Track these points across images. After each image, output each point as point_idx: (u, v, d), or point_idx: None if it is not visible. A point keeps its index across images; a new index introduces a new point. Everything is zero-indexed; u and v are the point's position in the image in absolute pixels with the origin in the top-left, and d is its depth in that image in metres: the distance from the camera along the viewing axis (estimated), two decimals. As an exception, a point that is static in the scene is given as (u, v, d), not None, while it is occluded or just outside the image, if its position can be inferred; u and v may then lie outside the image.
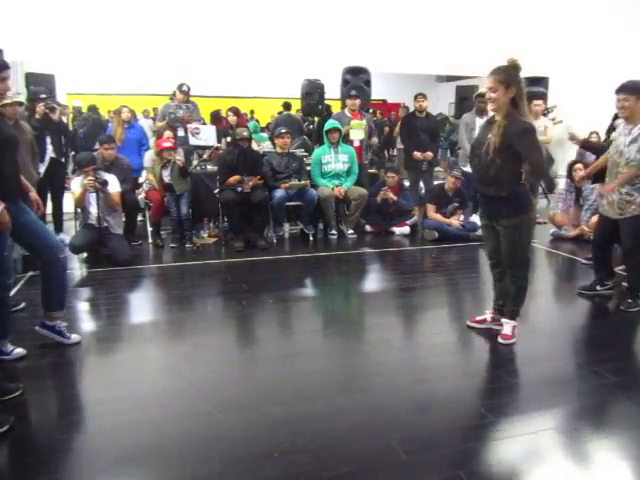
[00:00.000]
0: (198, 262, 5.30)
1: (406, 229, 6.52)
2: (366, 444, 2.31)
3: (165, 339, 3.58)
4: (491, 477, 2.13)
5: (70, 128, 8.85)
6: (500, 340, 3.31)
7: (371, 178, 7.11)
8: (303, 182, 6.10)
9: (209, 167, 6.44)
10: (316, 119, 8.28)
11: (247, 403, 2.66)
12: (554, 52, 9.66)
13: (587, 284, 4.35)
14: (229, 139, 6.80)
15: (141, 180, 6.19)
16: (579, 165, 6.21)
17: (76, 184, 5.08)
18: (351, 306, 4.47)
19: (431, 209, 6.30)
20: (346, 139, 6.66)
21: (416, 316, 4.14)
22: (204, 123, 7.44)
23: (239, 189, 5.77)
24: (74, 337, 3.33)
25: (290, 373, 2.99)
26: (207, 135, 6.71)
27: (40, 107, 5.30)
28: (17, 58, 8.21)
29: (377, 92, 7.65)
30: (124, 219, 5.52)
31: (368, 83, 7.78)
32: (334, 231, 6.34)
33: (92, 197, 5.04)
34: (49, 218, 5.83)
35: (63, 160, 5.86)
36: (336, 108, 8.79)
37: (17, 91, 6.09)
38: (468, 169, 6.65)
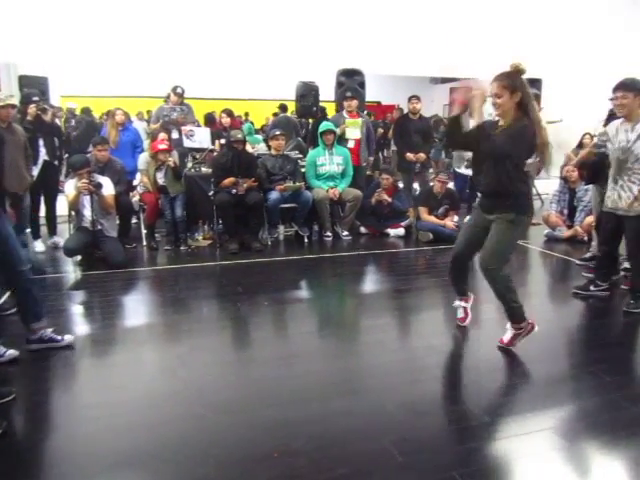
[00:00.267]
0: (193, 264, 5.29)
1: (401, 231, 6.53)
2: (361, 446, 2.31)
3: (160, 342, 3.57)
4: (487, 478, 2.14)
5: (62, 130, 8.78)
6: (498, 342, 3.30)
7: (366, 180, 7.12)
8: (298, 184, 6.11)
9: (203, 169, 6.44)
10: (310, 121, 8.28)
11: (242, 405, 2.66)
12: (547, 54, 9.71)
13: (581, 284, 4.38)
14: (223, 141, 6.79)
15: (135, 182, 6.17)
16: (572, 167, 6.25)
17: (70, 187, 5.06)
18: (346, 308, 4.47)
19: (423, 211, 6.33)
20: (342, 138, 6.68)
21: (411, 317, 4.15)
22: (198, 125, 7.43)
23: (234, 191, 5.77)
24: (67, 338, 3.32)
25: (285, 375, 2.99)
26: (201, 137, 6.70)
27: (32, 109, 5.28)
28: (10, 60, 8.20)
29: (371, 94, 7.67)
30: (118, 222, 5.50)
31: (362, 85, 7.79)
32: (329, 233, 6.34)
33: (86, 200, 5.02)
34: (42, 221, 5.82)
35: (56, 163, 5.83)
36: (330, 110, 8.80)
37: (10, 93, 6.06)
38: (462, 171, 6.70)
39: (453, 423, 2.57)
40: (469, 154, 4.47)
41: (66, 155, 7.64)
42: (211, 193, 5.99)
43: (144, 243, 5.89)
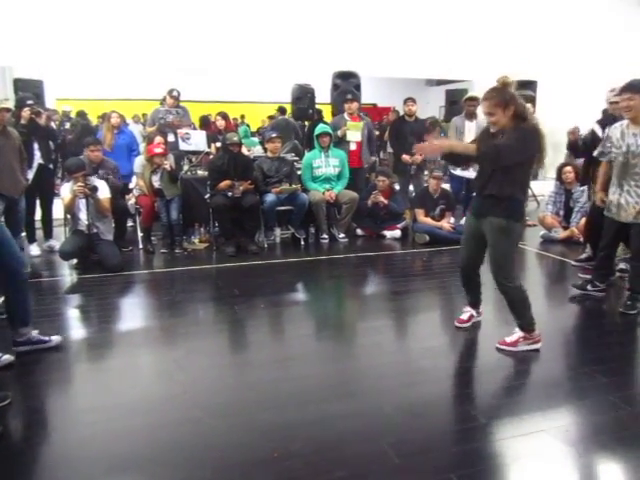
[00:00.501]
0: (189, 267, 5.28)
1: (397, 232, 6.54)
2: (359, 448, 2.31)
3: (157, 345, 3.56)
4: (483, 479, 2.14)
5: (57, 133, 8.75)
6: (497, 344, 3.27)
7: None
8: (294, 186, 6.11)
9: (199, 172, 6.43)
10: (306, 123, 8.29)
11: (239, 409, 2.65)
12: (542, 56, 9.75)
13: (578, 282, 4.39)
14: (219, 144, 6.79)
15: (131, 186, 6.16)
16: (569, 168, 6.27)
17: (66, 190, 5.05)
18: (343, 310, 4.47)
19: (420, 213, 6.33)
20: (343, 140, 6.70)
21: (408, 319, 4.15)
22: (194, 128, 7.43)
23: (230, 194, 5.77)
24: (54, 338, 3.32)
25: (282, 378, 2.98)
26: (197, 140, 6.70)
27: (26, 112, 5.27)
28: (5, 64, 8.19)
29: (367, 96, 7.69)
30: (114, 225, 5.50)
31: (358, 87, 7.83)
32: (325, 235, 6.34)
33: (82, 203, 5.01)
34: (38, 225, 5.80)
35: (51, 166, 5.82)
36: (327, 112, 8.81)
37: (5, 97, 6.04)
38: (458, 172, 6.71)
39: (450, 425, 2.57)
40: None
41: (61, 159, 7.62)
42: (207, 196, 5.99)
43: (140, 246, 5.88)
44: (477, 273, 3.54)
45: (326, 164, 6.40)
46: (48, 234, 5.88)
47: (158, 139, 6.04)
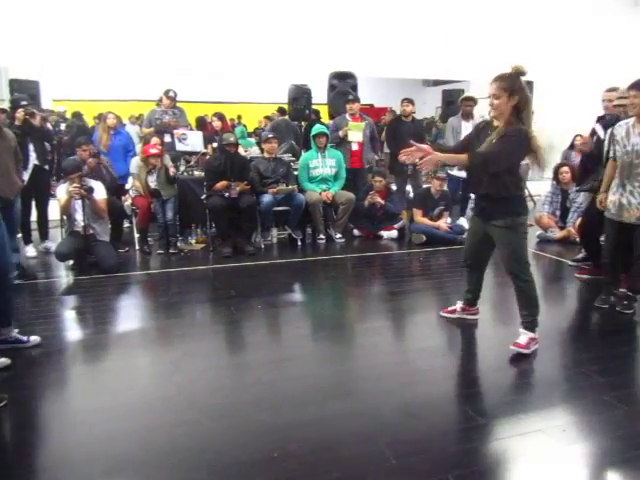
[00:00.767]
0: (186, 268, 5.27)
1: (394, 233, 6.54)
2: (355, 449, 2.31)
3: (153, 346, 3.55)
4: (480, 480, 2.14)
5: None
6: (512, 347, 3.23)
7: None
8: (291, 187, 6.11)
9: (196, 173, 6.42)
10: (303, 124, 8.29)
11: (236, 410, 2.65)
12: (539, 56, 9.76)
13: (602, 297, 4.09)
14: (215, 145, 6.79)
15: (127, 186, 6.15)
16: (565, 168, 6.29)
17: (62, 191, 5.04)
18: (340, 310, 4.47)
19: (418, 213, 6.33)
20: (344, 141, 6.70)
21: (405, 320, 4.15)
22: (191, 129, 7.42)
23: (226, 194, 5.76)
24: (33, 339, 3.34)
25: (279, 379, 2.98)
26: (194, 141, 6.69)
27: (20, 113, 5.25)
28: (1, 64, 8.16)
29: (364, 97, 7.69)
30: (110, 226, 5.48)
31: (355, 88, 7.82)
32: (322, 236, 6.34)
33: (78, 204, 5.00)
34: (34, 226, 5.78)
35: (47, 167, 5.80)
36: (324, 113, 8.81)
37: (1, 98, 6.02)
38: (455, 173, 6.72)
39: (447, 425, 2.57)
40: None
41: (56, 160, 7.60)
42: (204, 197, 5.98)
43: (137, 247, 5.87)
44: (482, 269, 3.60)
45: (323, 164, 6.40)
46: (44, 235, 5.86)
47: (155, 140, 6.03)
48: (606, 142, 4.27)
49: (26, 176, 5.34)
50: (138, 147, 6.86)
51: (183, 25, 8.27)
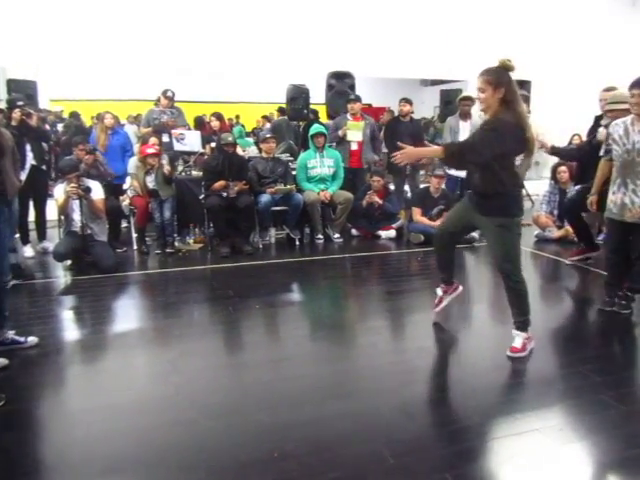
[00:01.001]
0: (184, 268, 5.27)
1: (392, 232, 6.55)
2: (353, 449, 2.31)
3: (151, 346, 3.55)
4: (478, 479, 2.14)
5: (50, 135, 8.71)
6: (508, 353, 3.19)
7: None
8: (289, 187, 6.11)
9: (194, 172, 6.42)
10: (301, 124, 8.28)
11: (234, 410, 2.65)
12: (536, 56, 9.77)
13: (605, 300, 4.01)
14: (213, 145, 6.78)
15: (125, 186, 6.14)
16: (563, 167, 6.29)
17: (59, 191, 5.04)
18: (338, 310, 4.47)
19: (417, 212, 6.34)
20: (344, 140, 6.70)
21: (403, 319, 4.15)
22: (189, 129, 7.41)
23: (224, 194, 5.76)
24: (30, 340, 3.33)
25: (277, 379, 2.98)
26: (192, 141, 6.68)
27: (16, 114, 5.25)
28: (-1, 64, 8.15)
29: (362, 96, 7.67)
30: (108, 226, 5.48)
31: (353, 87, 7.82)
32: (320, 235, 6.34)
33: (75, 204, 5.00)
34: (32, 226, 5.78)
35: (44, 167, 5.79)
36: (322, 113, 8.81)
37: (-1, 98, 6.01)
38: (453, 172, 6.72)
39: (445, 424, 2.58)
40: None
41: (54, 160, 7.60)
42: (202, 196, 5.98)
43: (134, 247, 5.87)
44: (451, 247, 3.59)
45: (321, 164, 6.41)
46: (42, 235, 5.86)
47: (153, 140, 6.03)
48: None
49: (23, 176, 5.33)
50: (136, 147, 6.85)
51: (181, 25, 8.27)
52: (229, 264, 5.38)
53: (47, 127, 7.94)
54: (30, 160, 5.47)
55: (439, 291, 3.77)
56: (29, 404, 2.77)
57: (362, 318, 4.14)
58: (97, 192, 5.07)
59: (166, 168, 5.75)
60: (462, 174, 6.36)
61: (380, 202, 6.47)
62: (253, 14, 8.54)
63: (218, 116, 7.78)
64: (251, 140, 9.64)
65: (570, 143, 8.12)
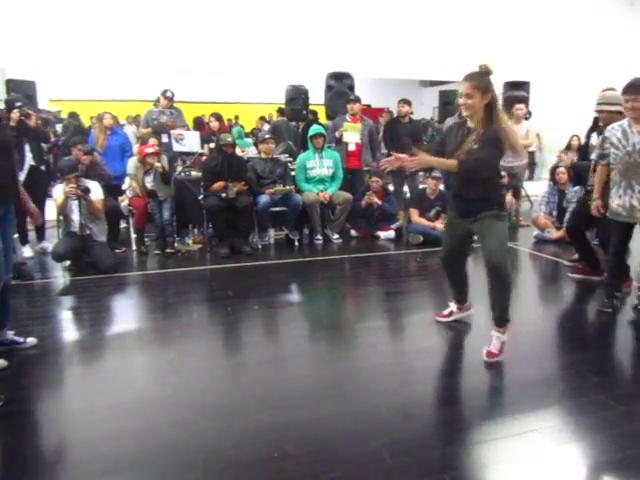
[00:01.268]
0: (183, 269, 5.27)
1: (391, 233, 6.55)
2: (352, 449, 2.31)
3: (150, 347, 3.55)
4: (476, 480, 2.14)
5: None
6: (484, 358, 3.16)
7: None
8: (288, 187, 6.11)
9: (193, 173, 6.42)
10: (300, 124, 8.29)
11: (232, 410, 2.65)
12: (535, 57, 9.79)
13: (605, 301, 4.02)
14: (212, 145, 6.79)
15: (124, 187, 6.14)
16: (562, 169, 6.30)
17: (58, 191, 5.04)
18: (337, 311, 4.47)
19: (414, 213, 6.34)
20: (340, 141, 6.70)
21: (402, 320, 4.16)
22: (188, 129, 7.42)
23: (223, 195, 5.76)
24: (29, 340, 3.33)
25: (276, 379, 2.98)
26: (191, 141, 6.69)
27: (15, 114, 5.25)
28: (-1, 65, 8.15)
29: (361, 97, 7.68)
30: (107, 226, 5.48)
31: (352, 88, 7.84)
32: (319, 236, 6.35)
33: (74, 204, 5.00)
34: (31, 226, 5.77)
35: (43, 167, 5.79)
36: (321, 113, 8.82)
37: (-2, 98, 6.01)
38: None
39: (443, 425, 2.58)
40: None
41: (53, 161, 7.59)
42: (201, 197, 5.98)
43: (133, 248, 5.87)
44: (462, 266, 3.60)
45: (320, 165, 6.41)
46: (41, 236, 5.86)
47: (152, 141, 6.03)
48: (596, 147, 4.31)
49: (22, 177, 5.33)
50: (135, 147, 6.85)
51: (181, 25, 8.27)
52: (228, 265, 5.38)
53: (47, 128, 7.92)
54: (29, 160, 5.46)
55: (452, 306, 3.79)
56: (28, 404, 2.76)
57: (361, 319, 4.14)
58: (96, 193, 5.07)
59: (158, 164, 5.71)
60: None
61: (379, 203, 6.48)
62: (252, 15, 8.54)
63: (217, 117, 7.79)
64: (250, 141, 9.65)
65: (569, 144, 8.12)
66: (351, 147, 6.76)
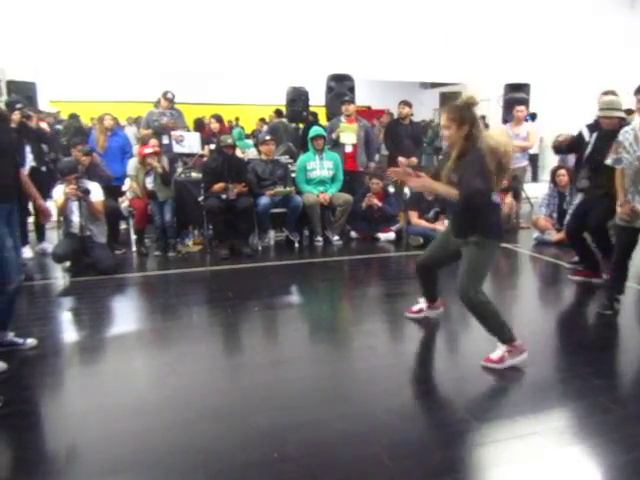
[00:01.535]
0: (183, 270, 5.27)
1: (391, 235, 6.55)
2: (351, 451, 2.31)
3: (149, 348, 3.54)
4: (476, 482, 2.14)
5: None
6: (482, 362, 3.11)
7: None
8: (288, 189, 6.11)
9: (193, 174, 6.42)
10: (301, 126, 8.30)
11: (232, 412, 2.64)
12: (535, 59, 9.80)
13: (605, 303, 3.99)
14: (212, 146, 6.79)
15: (124, 188, 6.14)
16: (562, 171, 6.30)
17: (59, 192, 5.04)
18: (337, 313, 4.47)
19: (414, 215, 6.34)
20: (337, 143, 6.70)
21: (402, 322, 4.14)
22: (189, 130, 7.42)
23: (224, 196, 5.76)
24: (29, 341, 3.33)
25: (276, 381, 2.98)
26: (191, 142, 6.69)
27: (16, 115, 5.25)
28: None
29: (362, 99, 7.73)
30: (107, 227, 5.47)
31: (352, 90, 7.84)
32: (319, 238, 6.34)
33: (74, 205, 5.00)
34: (31, 227, 5.77)
35: (44, 169, 5.79)
36: (321, 115, 8.83)
37: (-1, 99, 6.01)
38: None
39: (442, 427, 2.57)
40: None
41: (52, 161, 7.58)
42: (201, 198, 5.98)
43: (133, 249, 5.87)
44: (435, 272, 3.69)
45: (320, 166, 6.41)
46: (41, 237, 5.86)
47: (152, 142, 6.03)
48: (590, 146, 4.35)
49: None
50: (135, 148, 6.86)
51: (181, 27, 8.29)
52: (228, 266, 5.38)
53: (47, 129, 7.91)
54: (30, 162, 5.47)
55: (422, 303, 3.85)
56: (28, 405, 2.76)
57: (361, 320, 4.13)
58: (96, 194, 5.07)
59: (158, 165, 5.71)
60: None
61: (379, 204, 6.48)
62: (253, 16, 8.56)
63: (218, 118, 7.80)
64: (250, 142, 9.65)
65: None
66: (348, 149, 6.76)
